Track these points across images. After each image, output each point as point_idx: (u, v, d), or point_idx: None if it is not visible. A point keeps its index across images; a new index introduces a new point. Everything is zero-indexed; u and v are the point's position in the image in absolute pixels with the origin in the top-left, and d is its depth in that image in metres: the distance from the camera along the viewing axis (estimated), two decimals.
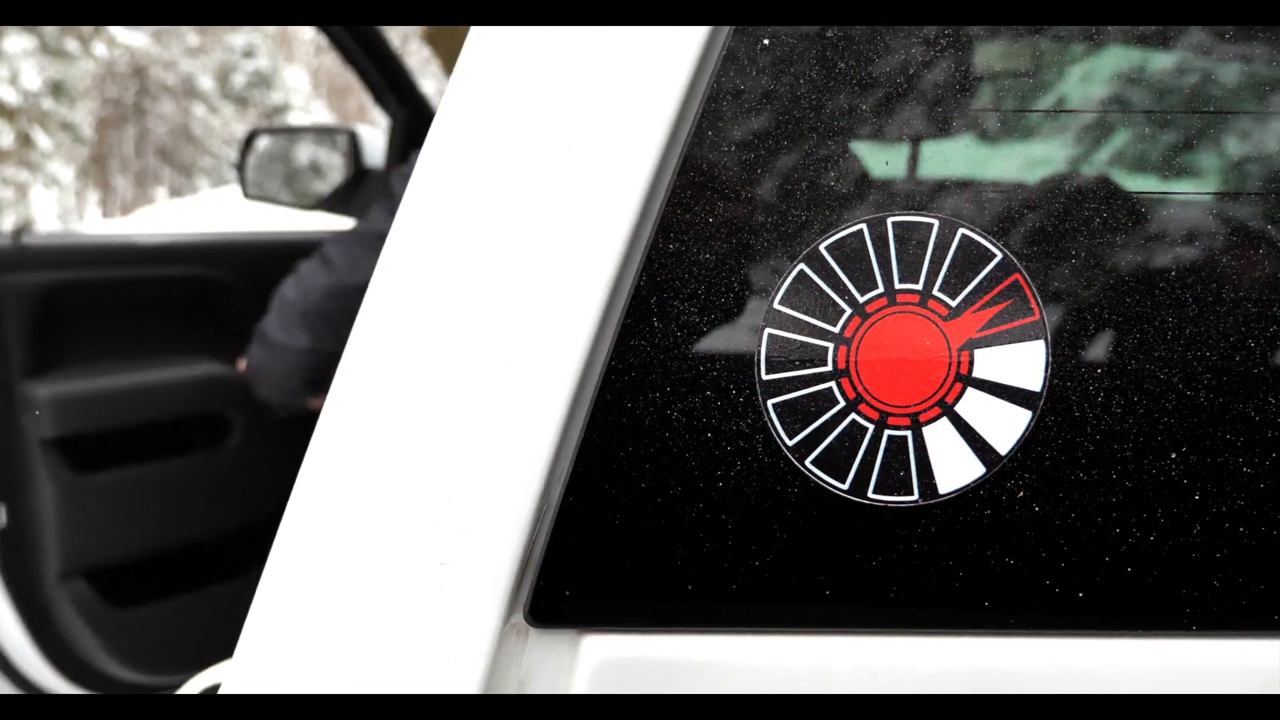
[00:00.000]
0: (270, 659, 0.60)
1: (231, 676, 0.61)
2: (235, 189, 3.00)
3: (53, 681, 2.05)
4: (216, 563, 2.35)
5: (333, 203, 2.68)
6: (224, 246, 2.37)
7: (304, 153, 2.69)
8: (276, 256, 2.44)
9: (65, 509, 2.06)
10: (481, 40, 0.60)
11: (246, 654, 0.61)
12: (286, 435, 2.37)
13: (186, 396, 2.23)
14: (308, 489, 0.60)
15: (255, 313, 2.38)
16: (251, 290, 2.36)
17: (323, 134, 2.74)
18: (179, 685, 2.22)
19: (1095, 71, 0.57)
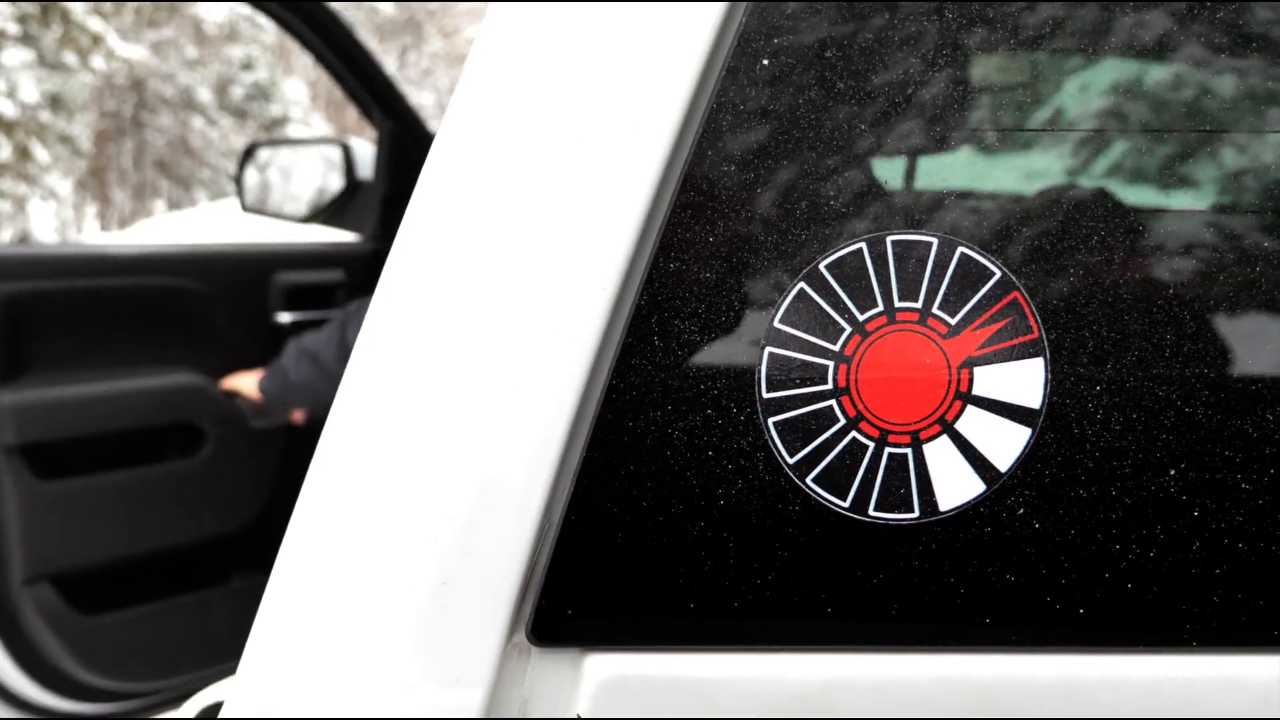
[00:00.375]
0: (273, 678, 0.60)
1: (234, 695, 0.61)
2: (234, 202, 3.02)
3: (24, 685, 2.05)
4: (189, 571, 2.36)
5: (326, 215, 2.69)
6: (196, 257, 2.38)
7: (301, 165, 2.70)
8: (249, 267, 2.45)
9: (29, 515, 2.07)
10: (482, 55, 0.60)
11: (249, 672, 0.61)
12: (259, 445, 2.38)
13: (159, 406, 2.24)
14: (310, 508, 0.60)
15: (229, 323, 2.38)
16: (224, 300, 2.38)
17: (318, 147, 2.75)
18: (150, 692, 2.23)
19: (1092, 85, 0.57)
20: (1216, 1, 0.56)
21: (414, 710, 0.59)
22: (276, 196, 2.69)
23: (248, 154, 2.69)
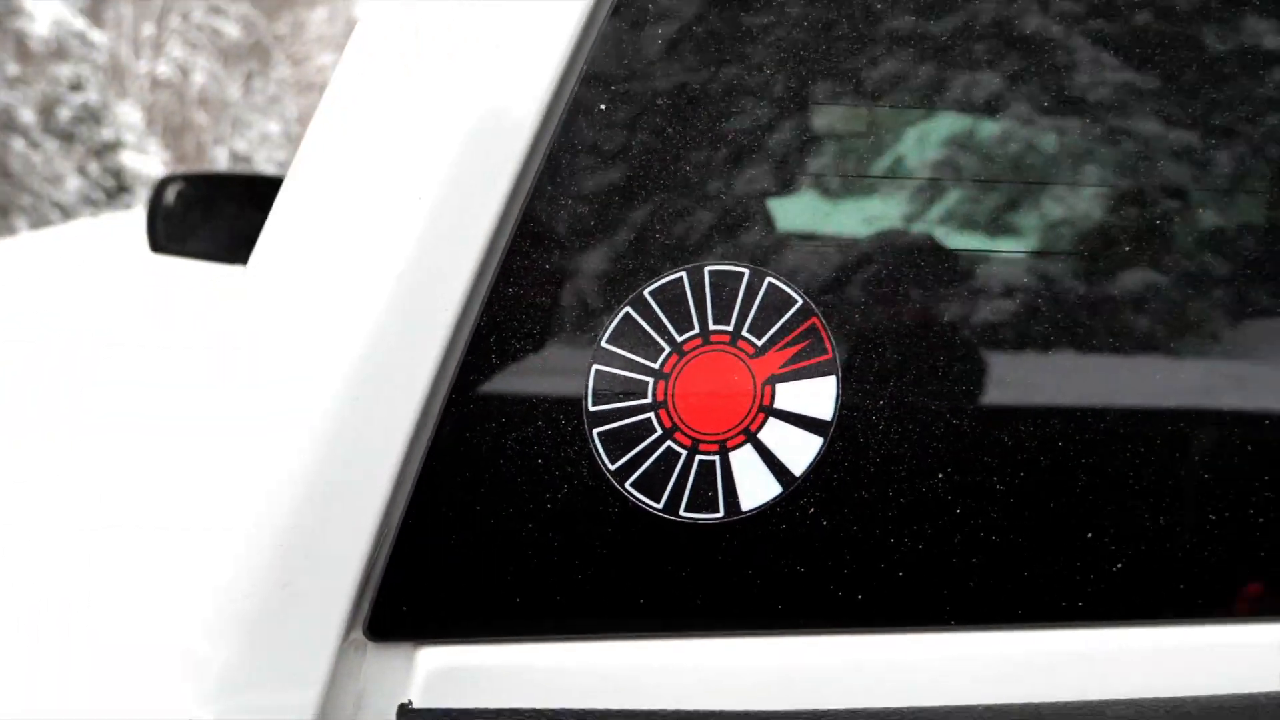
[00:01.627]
0: (102, 684, 0.62)
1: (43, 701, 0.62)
2: (57, 229, 2.81)
3: None
4: None
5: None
6: None
7: (227, 201, 2.48)
8: None
9: None
10: (339, 76, 0.65)
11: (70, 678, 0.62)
12: None
13: None
14: (150, 503, 0.62)
15: None
16: None
17: (260, 184, 2.54)
18: None
19: (914, 139, 0.66)
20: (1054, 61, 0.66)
21: (252, 713, 0.62)
22: (199, 235, 2.45)
23: (161, 188, 2.47)
